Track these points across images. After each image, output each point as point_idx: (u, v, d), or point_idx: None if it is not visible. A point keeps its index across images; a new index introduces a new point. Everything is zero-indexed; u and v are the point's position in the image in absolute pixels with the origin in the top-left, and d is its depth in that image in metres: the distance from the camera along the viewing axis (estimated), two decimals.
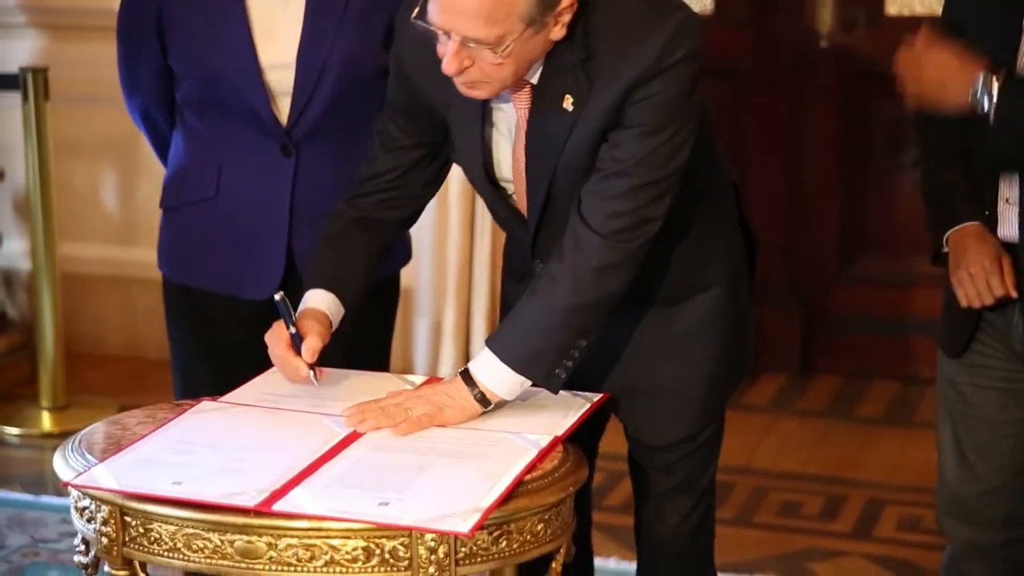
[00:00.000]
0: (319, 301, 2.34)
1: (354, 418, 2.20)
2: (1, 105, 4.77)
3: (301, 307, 2.33)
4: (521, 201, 2.32)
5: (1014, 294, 2.44)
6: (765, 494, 3.94)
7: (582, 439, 2.27)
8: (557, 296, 2.21)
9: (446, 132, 2.33)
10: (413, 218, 2.49)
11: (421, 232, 4.33)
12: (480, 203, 4.28)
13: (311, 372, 2.27)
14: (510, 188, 2.33)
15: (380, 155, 2.40)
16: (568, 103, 2.19)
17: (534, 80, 2.21)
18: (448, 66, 2.12)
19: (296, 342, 2.27)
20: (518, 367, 2.22)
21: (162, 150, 2.84)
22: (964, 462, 2.59)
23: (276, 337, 2.28)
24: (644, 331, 2.38)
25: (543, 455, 2.11)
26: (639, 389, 2.41)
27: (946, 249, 2.53)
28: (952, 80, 2.36)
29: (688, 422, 2.42)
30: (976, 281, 2.45)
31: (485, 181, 2.32)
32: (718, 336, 2.40)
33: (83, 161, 4.91)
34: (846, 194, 4.78)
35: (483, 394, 2.22)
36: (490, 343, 2.24)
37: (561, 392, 2.32)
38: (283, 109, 2.62)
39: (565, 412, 2.26)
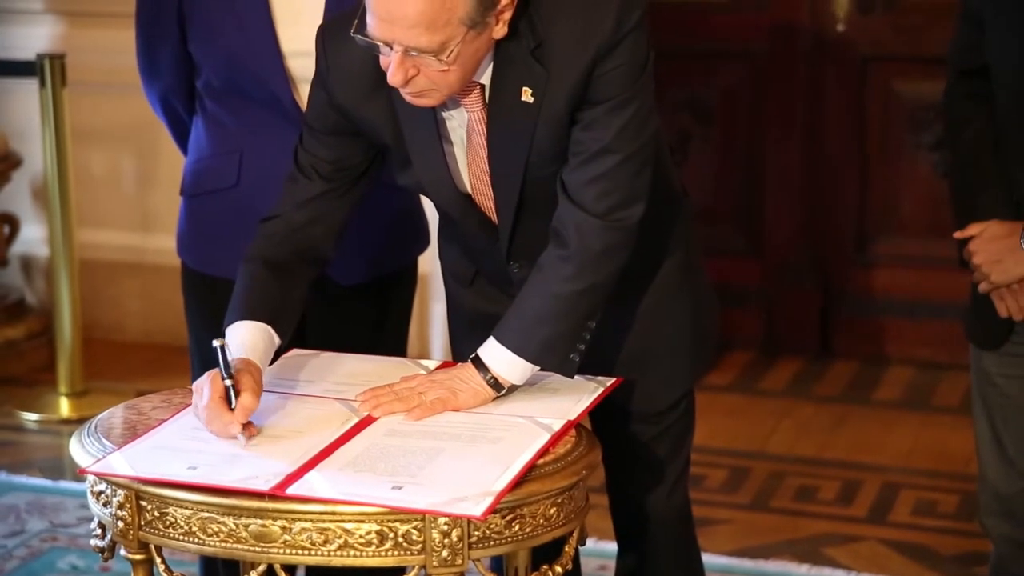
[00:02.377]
0: (255, 343, 2.21)
1: (368, 403, 2.21)
2: (19, 92, 4.78)
3: (235, 345, 2.19)
4: (488, 208, 2.30)
5: None
6: (781, 479, 3.94)
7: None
8: (563, 283, 2.21)
9: (371, 157, 2.30)
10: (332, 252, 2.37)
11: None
12: None
13: (240, 432, 2.10)
14: (473, 198, 2.31)
15: (311, 181, 2.31)
16: (527, 95, 2.18)
17: (484, 80, 2.20)
18: (393, 77, 2.10)
19: (229, 395, 2.11)
20: (532, 358, 2.22)
21: (181, 138, 2.84)
22: (1004, 457, 2.51)
23: (212, 388, 2.12)
24: (614, 308, 2.34)
25: (556, 439, 2.11)
26: (622, 360, 2.40)
27: (968, 234, 2.50)
28: (1006, 252, 2.43)
29: (679, 384, 2.43)
30: (1018, 297, 2.44)
31: (455, 194, 2.29)
32: (687, 298, 2.42)
33: (101, 147, 4.93)
34: (864, 177, 4.77)
35: (496, 379, 2.23)
36: (499, 336, 2.23)
37: (578, 378, 2.32)
38: (305, 96, 2.60)
39: (578, 396, 2.26)
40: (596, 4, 2.16)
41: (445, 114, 2.24)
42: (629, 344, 2.41)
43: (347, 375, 2.36)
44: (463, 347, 2.50)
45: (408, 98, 2.16)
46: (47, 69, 4.30)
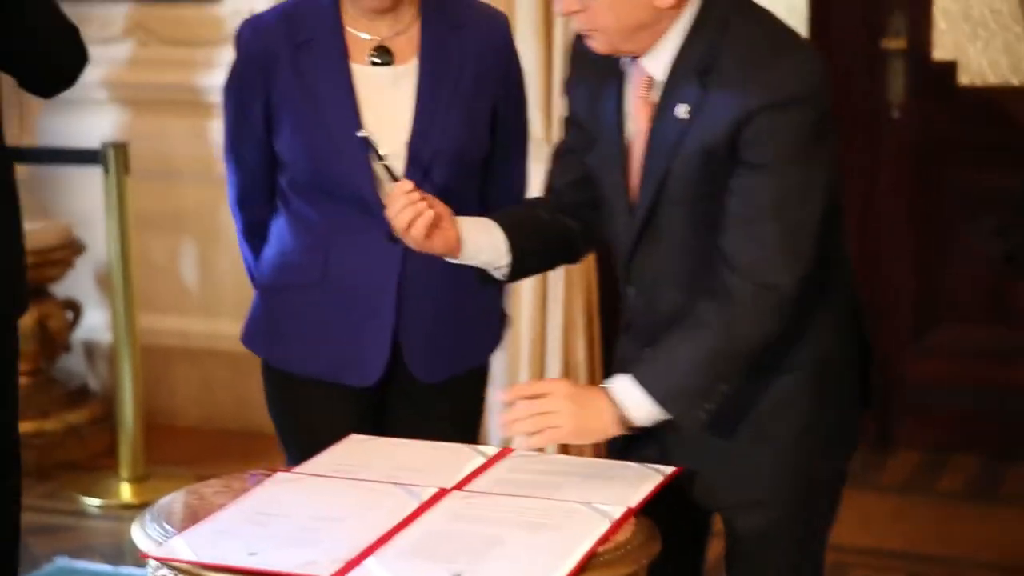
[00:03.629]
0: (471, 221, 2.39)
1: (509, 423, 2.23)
2: (83, 179, 4.86)
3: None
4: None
5: None
6: (844, 571, 3.89)
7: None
8: (706, 338, 2.22)
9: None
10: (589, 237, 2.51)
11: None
12: (552, 278, 4.30)
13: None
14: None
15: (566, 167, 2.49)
16: (683, 111, 2.24)
17: (660, 76, 2.27)
18: (559, 5, 2.27)
19: (392, 174, 2.38)
20: (661, 400, 2.23)
21: (249, 233, 2.80)
22: None
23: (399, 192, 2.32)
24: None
25: (616, 527, 2.10)
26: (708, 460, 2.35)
27: None
28: None
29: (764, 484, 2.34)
30: None
31: (623, 192, 2.34)
32: (785, 427, 2.33)
33: (162, 234, 4.99)
34: (920, 263, 4.74)
35: (623, 416, 2.24)
36: (635, 374, 2.24)
37: (634, 464, 2.32)
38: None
39: (638, 484, 2.25)
40: (777, 58, 2.20)
41: (628, 103, 2.35)
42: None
43: (406, 460, 2.37)
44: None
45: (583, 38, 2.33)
46: (110, 157, 4.37)
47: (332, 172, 2.60)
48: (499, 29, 2.69)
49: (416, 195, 2.31)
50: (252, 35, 2.67)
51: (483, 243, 2.38)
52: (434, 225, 2.31)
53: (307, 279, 2.67)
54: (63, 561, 3.93)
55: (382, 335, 2.64)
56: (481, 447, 2.43)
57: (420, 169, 2.57)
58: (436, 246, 2.34)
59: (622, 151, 2.35)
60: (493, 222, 2.40)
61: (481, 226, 2.39)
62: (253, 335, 2.78)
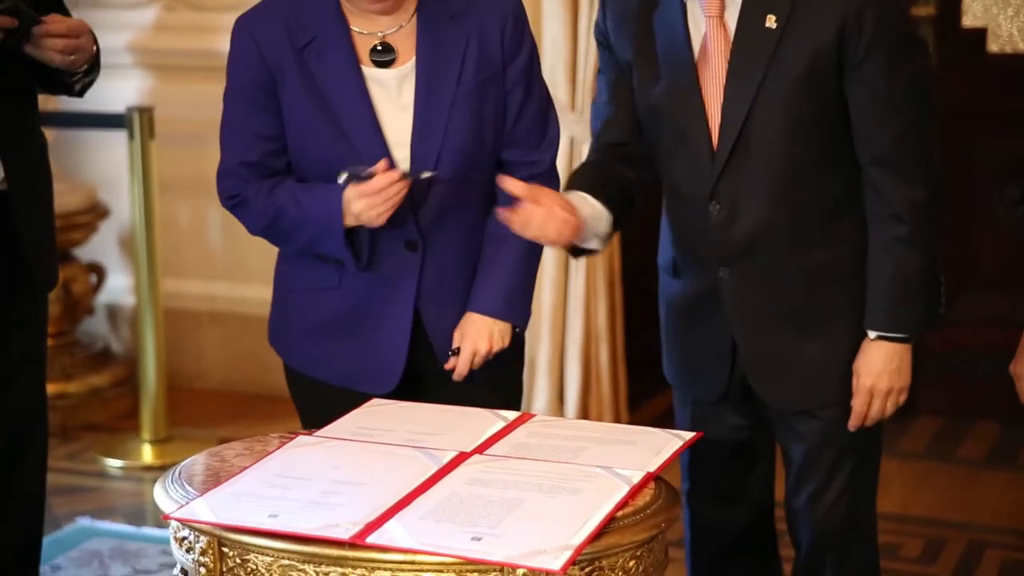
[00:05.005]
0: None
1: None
2: (108, 144, 4.88)
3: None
4: (710, 131, 2.44)
5: None
6: None
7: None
8: (910, 258, 2.48)
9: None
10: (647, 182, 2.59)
11: None
12: None
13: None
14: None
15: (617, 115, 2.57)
16: (772, 21, 2.36)
17: None
18: None
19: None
20: (916, 328, 2.51)
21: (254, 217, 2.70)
22: None
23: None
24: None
25: (636, 491, 2.11)
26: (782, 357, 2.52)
27: None
28: None
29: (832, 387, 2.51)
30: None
31: (700, 115, 2.44)
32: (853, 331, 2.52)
33: (186, 199, 5.01)
34: (949, 231, 4.71)
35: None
36: (875, 324, 2.47)
37: (654, 429, 2.34)
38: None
39: (658, 448, 2.26)
40: None
41: (691, 25, 2.43)
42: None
43: (426, 424, 2.38)
44: (677, 340, 2.63)
45: None
46: (136, 122, 4.38)
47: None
48: (503, 4, 2.54)
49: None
50: (247, 44, 2.52)
51: (592, 216, 2.45)
52: (562, 220, 2.38)
53: (323, 284, 2.60)
54: (85, 521, 3.97)
55: (399, 342, 2.58)
56: (502, 411, 2.44)
57: (425, 166, 2.49)
58: (566, 236, 2.41)
59: (695, 74, 2.43)
60: (582, 192, 2.47)
61: (580, 200, 2.45)
62: (275, 335, 2.72)
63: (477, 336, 2.56)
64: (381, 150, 2.49)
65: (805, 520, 2.60)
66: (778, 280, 2.48)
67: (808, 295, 2.49)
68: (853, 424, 2.51)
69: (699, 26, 2.44)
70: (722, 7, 2.42)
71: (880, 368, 2.48)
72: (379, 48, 2.50)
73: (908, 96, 2.42)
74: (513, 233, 2.41)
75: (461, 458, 2.23)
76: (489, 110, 2.54)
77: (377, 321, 2.59)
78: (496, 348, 2.57)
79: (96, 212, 4.83)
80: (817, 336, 2.50)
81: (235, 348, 5.03)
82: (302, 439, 2.34)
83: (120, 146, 4.57)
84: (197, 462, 2.29)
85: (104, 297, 5.05)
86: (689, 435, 2.33)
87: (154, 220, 4.44)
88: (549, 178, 2.60)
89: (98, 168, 5.01)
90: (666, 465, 2.22)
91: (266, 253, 4.92)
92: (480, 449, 2.27)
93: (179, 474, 2.23)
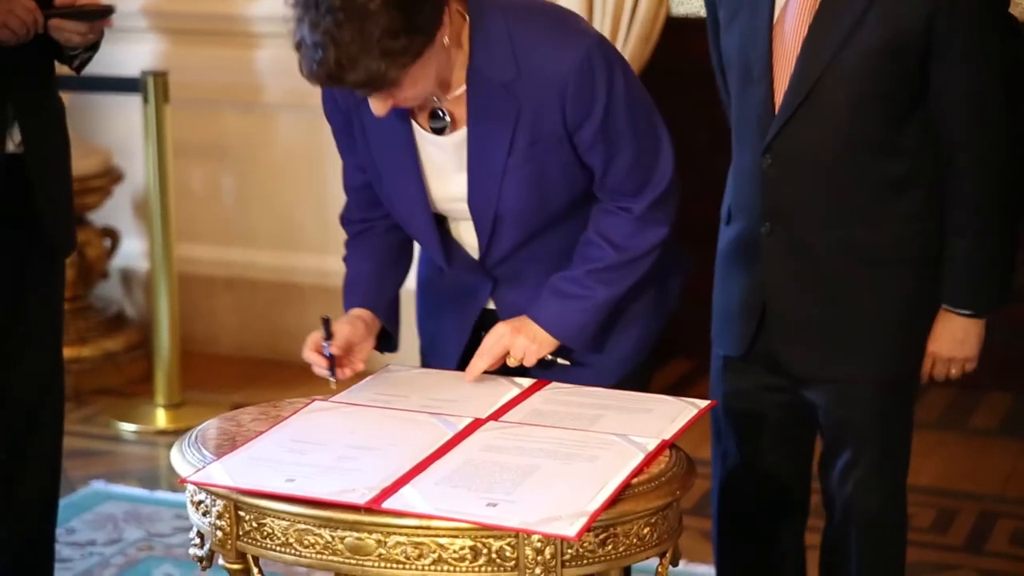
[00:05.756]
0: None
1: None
2: (122, 108, 4.88)
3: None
4: (776, 89, 2.45)
5: None
6: None
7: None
8: (987, 239, 2.52)
9: None
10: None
11: None
12: None
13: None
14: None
15: None
16: None
17: None
18: None
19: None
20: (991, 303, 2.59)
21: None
22: None
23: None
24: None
25: (651, 459, 2.11)
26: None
27: None
28: None
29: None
30: None
31: (767, 69, 2.46)
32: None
33: (201, 164, 5.01)
34: None
35: None
36: (951, 301, 2.54)
37: (669, 397, 2.34)
38: (472, 239, 2.48)
39: (673, 416, 2.26)
40: None
41: None
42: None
43: (442, 391, 2.39)
44: (718, 289, 2.65)
45: None
46: (150, 86, 4.38)
47: (406, 229, 2.53)
48: (561, 64, 2.31)
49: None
50: (327, 94, 2.48)
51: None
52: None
53: (432, 276, 2.62)
54: (99, 485, 3.99)
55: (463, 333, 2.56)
56: (517, 378, 2.44)
57: (486, 231, 2.43)
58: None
59: (771, 28, 2.44)
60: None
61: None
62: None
63: (515, 335, 2.42)
64: (421, 216, 2.45)
65: (834, 492, 2.62)
66: (816, 248, 2.48)
67: (845, 269, 2.48)
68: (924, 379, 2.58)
69: None
70: None
71: (946, 337, 2.54)
72: (438, 114, 2.38)
73: (994, 78, 2.41)
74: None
75: (477, 424, 2.24)
76: (553, 172, 2.39)
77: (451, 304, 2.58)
78: (527, 359, 2.43)
79: (110, 176, 4.83)
80: (846, 310, 2.50)
81: (248, 313, 5.04)
82: (318, 404, 2.35)
83: (135, 110, 4.57)
84: (212, 426, 2.29)
85: (118, 261, 5.06)
86: (704, 403, 2.33)
87: (168, 185, 4.44)
88: (643, 222, 2.41)
89: (112, 132, 5.01)
90: (682, 433, 2.22)
91: (278, 219, 4.97)
92: (496, 416, 2.28)
93: (195, 438, 2.24)
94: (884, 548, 2.63)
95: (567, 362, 2.45)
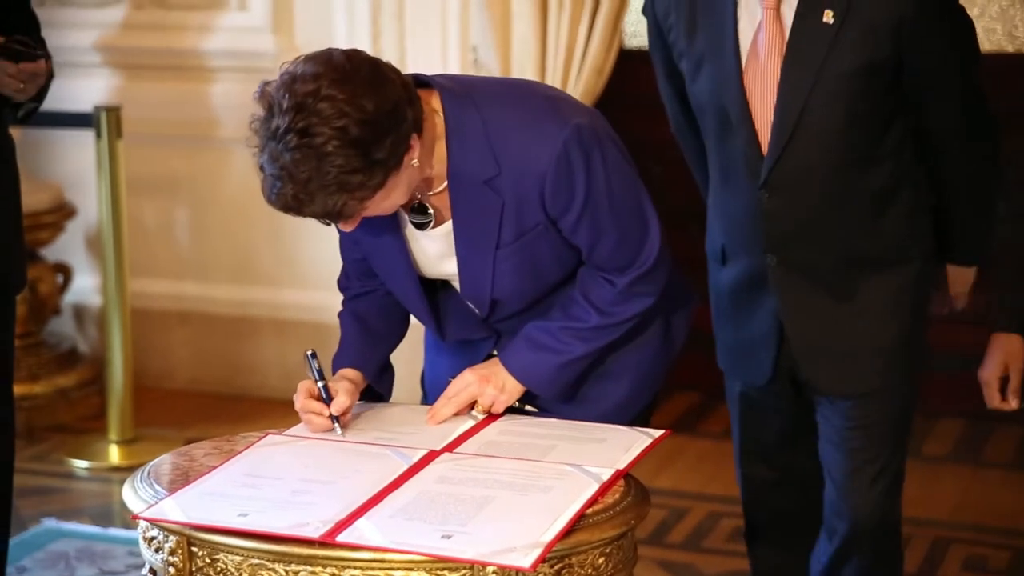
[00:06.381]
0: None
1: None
2: (75, 143, 4.86)
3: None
4: (757, 134, 2.49)
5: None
6: None
7: None
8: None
9: None
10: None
11: None
12: None
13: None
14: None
15: None
16: (828, 16, 2.40)
17: None
18: None
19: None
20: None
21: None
22: None
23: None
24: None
25: (605, 489, 2.12)
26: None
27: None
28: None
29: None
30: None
31: (742, 106, 2.50)
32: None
33: (154, 198, 4.99)
34: None
35: None
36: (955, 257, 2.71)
37: (624, 427, 2.35)
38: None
39: (627, 446, 2.27)
40: None
41: (742, 15, 2.47)
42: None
43: (396, 423, 2.38)
44: (726, 327, 2.70)
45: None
46: (103, 121, 4.36)
47: (402, 303, 2.53)
48: (539, 159, 2.30)
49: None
50: None
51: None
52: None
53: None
54: (51, 523, 3.95)
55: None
56: (473, 411, 2.43)
57: (484, 310, 2.45)
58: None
59: (742, 67, 2.48)
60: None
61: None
62: None
63: (483, 384, 2.42)
64: (414, 298, 2.46)
65: (842, 505, 2.68)
66: (825, 267, 2.55)
67: (854, 282, 2.56)
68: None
69: (752, 17, 2.48)
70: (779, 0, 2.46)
71: (960, 281, 2.74)
72: (415, 210, 2.38)
73: (965, 71, 2.50)
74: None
75: (431, 456, 2.24)
76: (544, 256, 2.39)
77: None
78: (494, 407, 2.42)
79: (63, 212, 4.81)
80: (861, 321, 2.57)
81: (203, 348, 5.01)
82: (271, 438, 2.34)
83: (87, 145, 4.55)
84: (165, 461, 2.28)
85: (71, 297, 5.02)
86: (658, 433, 2.34)
87: (121, 220, 4.42)
88: (627, 294, 2.40)
89: (65, 167, 4.98)
90: (636, 463, 2.23)
91: (233, 253, 4.95)
92: (450, 447, 2.28)
93: (148, 473, 2.22)
94: (883, 559, 2.72)
95: (535, 410, 2.44)
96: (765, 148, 2.50)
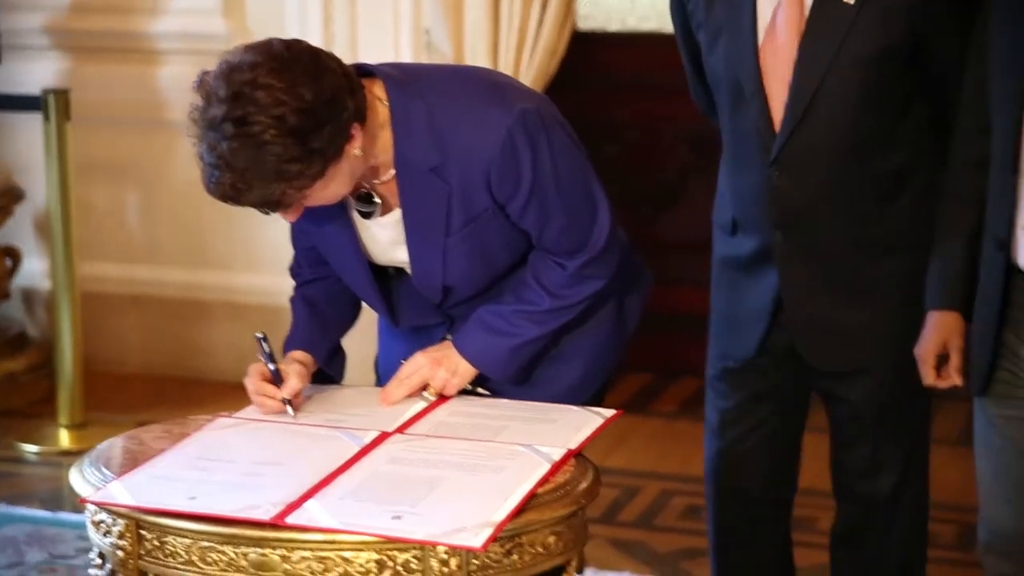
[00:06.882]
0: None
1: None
2: (23, 126, 4.80)
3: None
4: (770, 107, 2.51)
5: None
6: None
7: None
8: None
9: None
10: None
11: None
12: None
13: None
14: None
15: None
16: None
17: None
18: None
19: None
20: None
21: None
22: (1004, 497, 2.46)
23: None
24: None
25: (556, 468, 2.12)
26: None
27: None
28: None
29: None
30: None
31: (756, 80, 2.52)
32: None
33: (103, 181, 4.95)
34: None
35: None
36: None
37: (575, 407, 2.35)
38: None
39: (579, 426, 2.27)
40: None
41: None
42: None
43: (347, 404, 2.38)
44: (723, 296, 2.72)
45: None
46: (51, 104, 4.31)
47: (354, 291, 2.53)
48: (484, 146, 2.30)
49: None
50: None
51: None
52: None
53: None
54: (0, 507, 3.92)
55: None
56: (425, 393, 2.42)
57: (437, 297, 2.44)
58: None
59: (758, 44, 2.49)
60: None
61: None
62: None
63: (435, 367, 2.41)
64: (366, 286, 2.46)
65: (856, 481, 2.72)
66: (831, 247, 2.57)
67: (860, 264, 2.58)
68: None
69: None
70: None
71: None
72: (361, 198, 2.37)
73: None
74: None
75: (382, 438, 2.23)
76: (494, 242, 2.39)
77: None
78: (446, 390, 2.41)
79: (11, 195, 4.76)
80: (866, 302, 2.59)
81: (154, 331, 4.98)
82: (222, 421, 2.33)
83: (35, 128, 4.50)
84: (114, 445, 2.27)
85: (20, 281, 4.97)
86: (609, 413, 2.34)
87: (70, 203, 4.38)
88: (578, 277, 2.40)
89: (13, 151, 4.93)
90: (588, 443, 2.23)
91: (183, 236, 4.92)
92: (402, 429, 2.28)
93: (96, 457, 2.21)
94: (908, 536, 2.74)
95: (487, 392, 2.44)
96: (777, 126, 2.52)
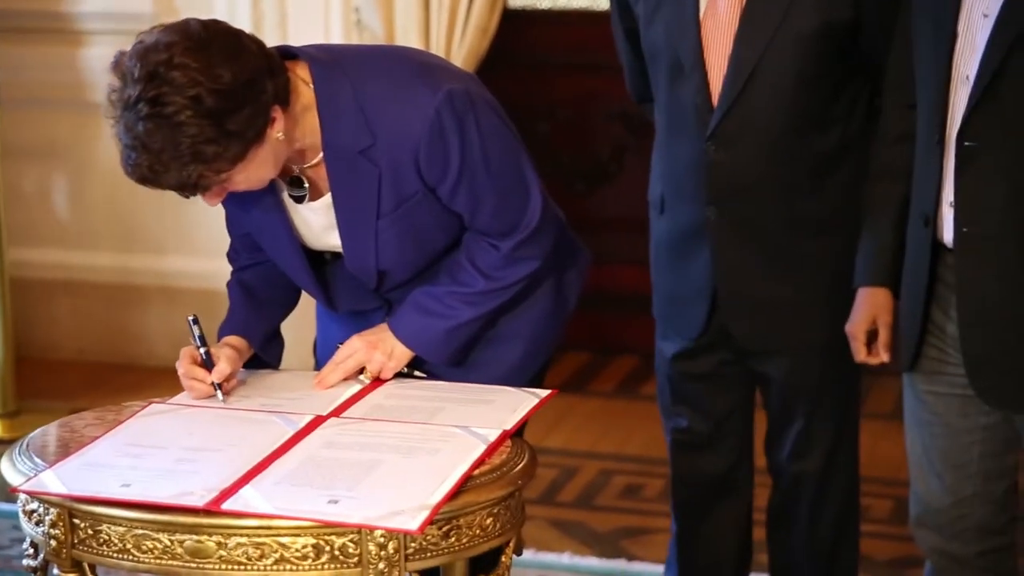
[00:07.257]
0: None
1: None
2: None
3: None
4: (709, 83, 2.52)
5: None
6: None
7: None
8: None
9: None
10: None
11: None
12: None
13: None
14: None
15: None
16: None
17: None
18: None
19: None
20: None
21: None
22: (933, 472, 2.47)
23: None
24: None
25: (492, 450, 2.12)
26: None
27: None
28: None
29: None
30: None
31: (697, 56, 2.53)
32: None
33: (32, 165, 4.88)
34: None
35: None
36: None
37: (511, 388, 2.35)
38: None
39: (515, 406, 2.27)
40: None
41: None
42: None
43: (281, 389, 2.36)
44: (662, 277, 2.74)
45: None
46: None
47: (289, 277, 2.50)
48: (411, 128, 2.27)
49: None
50: None
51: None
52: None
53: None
54: None
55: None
56: (361, 376, 2.42)
57: (372, 282, 2.42)
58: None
59: (699, 17, 2.50)
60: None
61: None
62: None
63: (370, 350, 2.40)
64: (300, 271, 2.43)
65: (787, 460, 2.74)
66: (764, 225, 2.58)
67: (792, 241, 2.59)
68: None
69: None
70: None
71: None
72: (291, 183, 2.35)
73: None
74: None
75: (317, 421, 2.22)
76: (426, 224, 2.37)
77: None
78: (383, 373, 2.40)
79: None
80: (797, 280, 2.61)
81: (87, 317, 4.93)
82: (155, 407, 2.31)
83: None
84: (47, 433, 2.24)
85: None
86: (545, 392, 2.34)
87: None
88: (511, 259, 2.38)
89: None
90: (523, 423, 2.23)
91: (115, 220, 4.86)
92: (337, 412, 2.27)
93: (27, 446, 2.18)
94: (839, 511, 2.77)
95: (424, 375, 2.43)
96: (716, 100, 2.53)
